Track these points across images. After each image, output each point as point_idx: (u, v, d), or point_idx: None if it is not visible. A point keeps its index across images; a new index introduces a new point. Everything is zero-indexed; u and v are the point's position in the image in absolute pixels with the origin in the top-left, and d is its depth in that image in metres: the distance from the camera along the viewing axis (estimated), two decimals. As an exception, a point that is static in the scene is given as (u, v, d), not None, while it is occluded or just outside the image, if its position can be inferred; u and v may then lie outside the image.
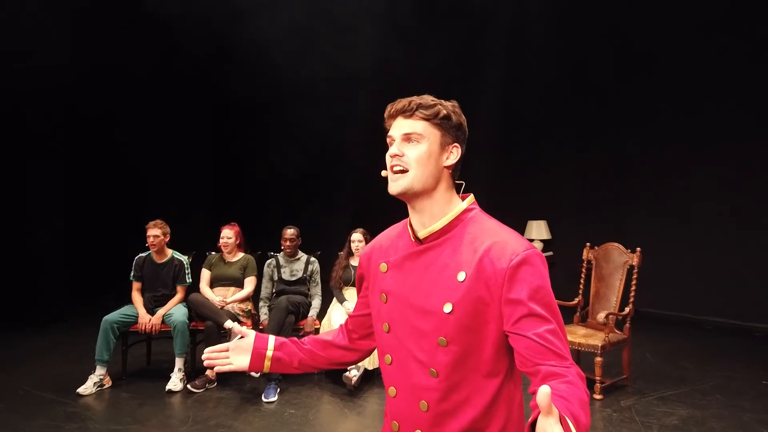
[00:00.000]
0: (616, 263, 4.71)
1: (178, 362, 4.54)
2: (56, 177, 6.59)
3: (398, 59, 7.26)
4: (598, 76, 7.22)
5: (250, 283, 4.91)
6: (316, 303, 4.94)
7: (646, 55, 6.87)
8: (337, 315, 4.71)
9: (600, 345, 4.27)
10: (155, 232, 4.77)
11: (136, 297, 4.75)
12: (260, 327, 4.69)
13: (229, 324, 4.44)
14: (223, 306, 4.65)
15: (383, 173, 1.39)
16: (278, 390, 4.38)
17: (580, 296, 4.87)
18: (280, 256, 5.06)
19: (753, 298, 6.26)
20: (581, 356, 4.51)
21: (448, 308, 1.28)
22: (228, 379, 4.60)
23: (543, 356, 1.19)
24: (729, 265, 6.43)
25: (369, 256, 1.50)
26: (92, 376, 4.42)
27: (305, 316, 4.80)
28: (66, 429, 3.75)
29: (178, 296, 4.76)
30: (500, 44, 7.88)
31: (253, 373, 4.23)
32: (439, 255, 1.33)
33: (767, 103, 6.17)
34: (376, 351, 1.51)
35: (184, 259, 4.91)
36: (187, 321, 4.59)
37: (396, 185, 1.32)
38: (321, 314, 4.89)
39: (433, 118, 1.33)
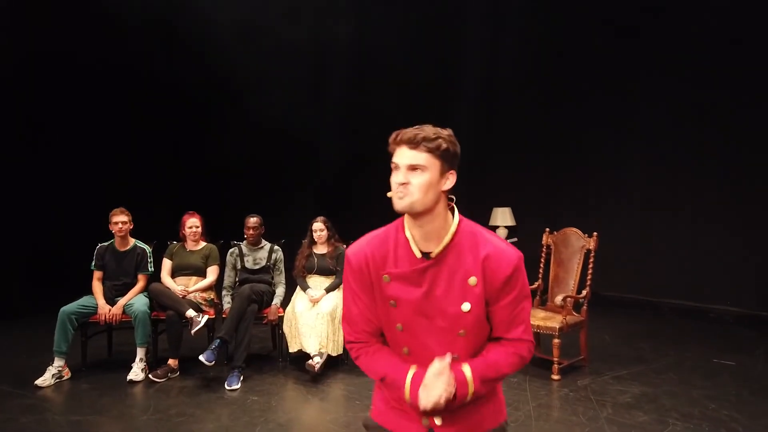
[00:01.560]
0: (574, 247, 4.82)
1: (140, 352, 4.50)
2: (8, 167, 6.38)
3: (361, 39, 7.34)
4: (569, 56, 7.33)
5: (212, 273, 4.89)
6: (280, 291, 4.95)
7: (604, 33, 7.01)
8: (301, 303, 4.72)
9: (557, 327, 4.38)
10: (123, 218, 4.70)
11: (97, 286, 4.68)
12: (222, 316, 4.68)
13: (190, 313, 4.42)
14: (185, 295, 4.62)
15: (389, 194, 1.57)
16: (241, 378, 4.39)
17: (539, 280, 4.98)
18: (243, 244, 5.04)
19: (708, 281, 6.47)
20: (540, 338, 4.61)
21: (466, 308, 1.55)
22: (190, 368, 4.58)
23: (509, 329, 1.60)
24: (685, 249, 6.63)
25: (366, 263, 1.62)
26: (50, 367, 4.35)
27: (269, 304, 4.80)
28: (23, 421, 3.69)
29: (140, 285, 4.72)
30: (471, 24, 7.96)
31: (207, 362, 4.22)
32: (447, 264, 1.57)
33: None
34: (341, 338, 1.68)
35: (147, 248, 4.86)
36: (149, 311, 4.55)
37: (401, 204, 1.54)
38: (285, 302, 4.89)
39: (435, 151, 1.51)
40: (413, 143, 1.51)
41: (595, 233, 4.70)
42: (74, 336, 4.47)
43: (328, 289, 4.81)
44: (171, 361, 4.51)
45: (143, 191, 6.99)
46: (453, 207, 1.62)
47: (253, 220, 4.97)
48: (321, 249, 4.99)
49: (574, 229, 4.87)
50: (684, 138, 6.61)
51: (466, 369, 1.55)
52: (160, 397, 4.13)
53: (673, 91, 6.62)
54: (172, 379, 4.47)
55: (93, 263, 4.75)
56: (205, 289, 4.81)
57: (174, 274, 4.87)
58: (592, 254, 4.71)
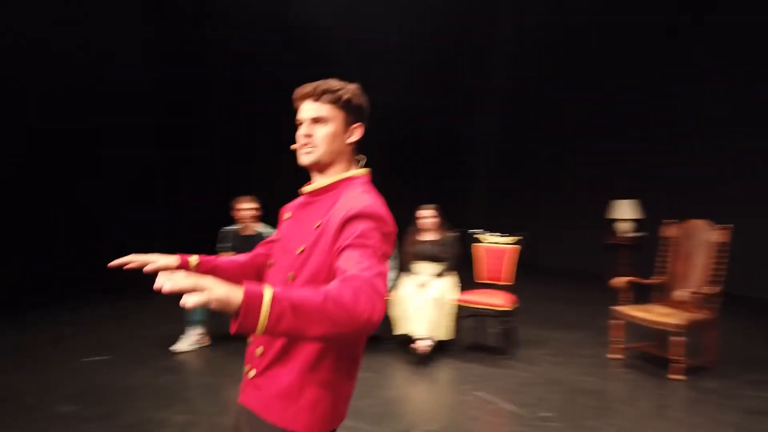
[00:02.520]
0: (700, 240, 4.49)
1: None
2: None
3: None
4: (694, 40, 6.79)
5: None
6: (390, 275, 5.12)
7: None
8: (409, 288, 4.86)
9: (678, 324, 4.11)
10: (248, 205, 5.15)
11: (225, 266, 5.16)
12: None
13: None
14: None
15: (292, 147, 1.56)
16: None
17: (661, 274, 4.69)
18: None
19: None
20: (660, 335, 4.36)
21: (299, 250, 1.46)
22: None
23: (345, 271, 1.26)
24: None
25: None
26: (190, 334, 4.89)
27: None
28: (164, 380, 4.20)
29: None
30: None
31: None
32: (314, 208, 1.52)
33: None
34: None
35: (272, 231, 5.26)
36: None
37: (306, 158, 1.51)
38: (395, 288, 5.05)
39: (337, 102, 1.49)
40: (315, 95, 1.49)
41: (727, 226, 4.34)
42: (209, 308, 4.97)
43: (438, 275, 4.91)
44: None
45: (268, 181, 7.49)
46: (362, 167, 1.57)
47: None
48: (429, 236, 5.09)
49: (702, 221, 4.53)
50: None
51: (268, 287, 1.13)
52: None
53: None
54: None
55: (219, 245, 5.24)
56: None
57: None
58: (723, 248, 4.36)
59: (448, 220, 5.18)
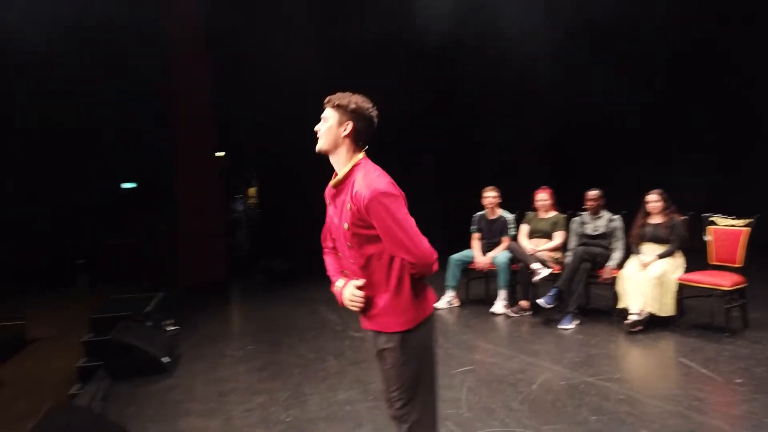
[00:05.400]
0: None
1: (501, 293, 6.02)
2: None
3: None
4: None
5: (558, 237, 5.99)
6: (616, 255, 5.66)
7: None
8: (632, 266, 5.36)
9: None
10: (492, 194, 6.31)
11: (475, 244, 6.41)
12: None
13: (534, 266, 5.66)
14: (534, 253, 5.87)
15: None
16: (575, 321, 5.41)
17: None
18: (586, 214, 5.95)
19: None
20: None
21: (345, 227, 2.12)
22: (542, 310, 5.76)
23: (395, 253, 2.08)
24: None
25: (326, 191, 2.29)
26: (444, 296, 6.31)
27: (602, 265, 5.61)
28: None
29: (503, 244, 6.22)
30: None
31: (544, 304, 5.41)
32: (341, 195, 2.16)
33: None
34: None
35: (510, 216, 6.32)
36: (509, 262, 6.01)
37: (317, 146, 2.18)
38: (621, 266, 5.58)
39: (333, 106, 2.15)
40: (325, 104, 2.16)
41: None
42: (461, 276, 6.32)
43: (661, 256, 5.29)
44: (523, 302, 5.89)
45: (509, 171, 8.46)
46: (363, 153, 2.15)
47: (592, 193, 5.82)
48: (655, 219, 5.47)
49: None
50: None
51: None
52: (510, 325, 5.58)
53: None
54: (524, 316, 5.83)
55: (472, 227, 6.50)
56: (552, 249, 5.96)
57: (530, 236, 6.18)
58: None
59: (674, 203, 5.48)
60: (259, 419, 3.69)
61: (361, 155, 2.16)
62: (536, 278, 5.65)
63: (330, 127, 2.14)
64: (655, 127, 8.23)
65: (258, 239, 10.97)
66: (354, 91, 2.20)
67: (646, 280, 5.13)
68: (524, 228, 6.26)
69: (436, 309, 2.31)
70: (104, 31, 8.03)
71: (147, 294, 6.91)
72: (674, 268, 5.25)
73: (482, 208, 6.43)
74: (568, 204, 6.36)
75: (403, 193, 2.09)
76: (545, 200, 6.13)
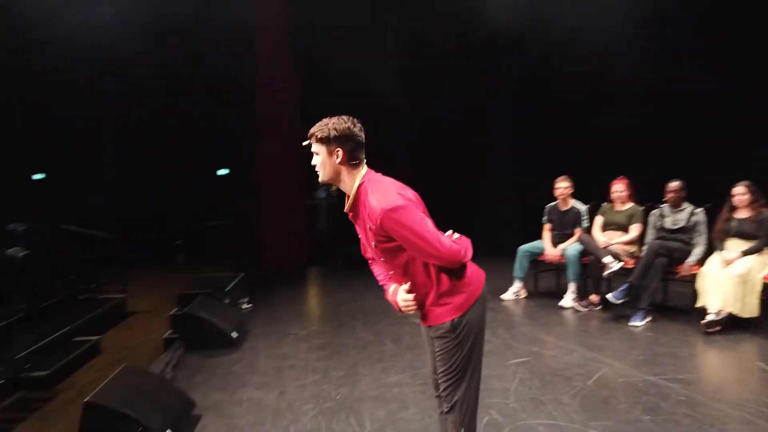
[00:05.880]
0: None
1: (571, 286, 5.83)
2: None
3: None
4: None
5: (634, 230, 5.69)
6: (697, 251, 5.30)
7: None
8: (713, 263, 5.01)
9: None
10: (564, 184, 6.11)
11: (546, 235, 6.24)
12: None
13: (606, 260, 5.43)
14: (606, 246, 5.63)
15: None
16: (646, 318, 5.14)
17: None
18: (665, 207, 5.61)
19: None
20: None
21: (374, 245, 2.20)
22: (613, 306, 5.53)
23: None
24: None
25: None
26: (511, 287, 6.21)
27: (680, 261, 5.28)
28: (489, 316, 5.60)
29: (575, 236, 6.01)
30: None
31: (613, 300, 5.18)
32: (359, 215, 2.21)
33: None
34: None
35: (583, 208, 6.09)
36: (579, 255, 5.80)
37: (320, 179, 2.24)
38: (702, 262, 5.22)
39: (317, 139, 2.19)
40: (310, 138, 2.20)
41: None
42: (529, 268, 6.19)
43: (746, 252, 4.91)
44: (592, 296, 5.67)
45: (584, 160, 8.05)
46: (364, 168, 2.19)
47: (673, 185, 5.47)
48: (742, 213, 5.07)
49: None
50: None
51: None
52: (577, 320, 5.40)
53: None
54: (593, 311, 5.62)
55: (544, 218, 6.33)
56: (627, 243, 5.68)
57: (604, 228, 5.93)
58: None
59: (764, 196, 5.05)
60: (311, 395, 3.87)
61: (363, 171, 2.21)
62: (607, 272, 5.42)
63: (323, 161, 2.20)
64: (744, 115, 7.54)
65: (338, 226, 11.29)
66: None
67: (728, 278, 4.78)
68: (598, 220, 6.01)
69: (485, 293, 2.37)
70: (191, 30, 8.67)
71: (231, 274, 7.41)
72: (761, 266, 4.85)
73: (555, 198, 6.25)
74: (647, 196, 6.03)
75: (412, 197, 2.16)
76: (621, 191, 5.85)
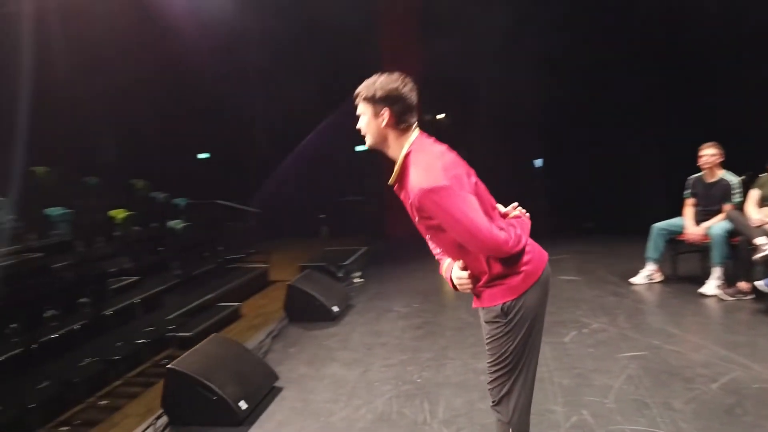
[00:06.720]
0: None
1: (715, 271, 4.98)
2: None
3: None
4: None
5: (800, 206, 4.70)
6: None
7: None
8: None
9: None
10: (710, 151, 5.20)
11: (688, 211, 5.39)
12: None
13: (758, 240, 4.55)
14: (762, 225, 4.71)
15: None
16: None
17: None
18: None
19: None
20: None
21: (416, 219, 2.01)
22: (764, 297, 4.66)
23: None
24: None
25: None
26: (643, 269, 5.49)
27: None
28: (606, 300, 5.04)
29: (723, 213, 5.10)
30: None
31: (764, 287, 4.30)
32: (404, 191, 2.00)
33: None
34: None
35: (735, 180, 5.15)
36: (726, 235, 4.93)
37: (366, 144, 2.06)
38: None
39: (363, 99, 2.01)
40: (355, 97, 2.02)
41: None
42: (666, 248, 5.42)
43: None
44: (741, 284, 4.80)
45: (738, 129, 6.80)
46: (414, 131, 1.99)
47: None
48: None
49: None
50: None
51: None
52: (719, 310, 4.62)
53: None
54: (742, 300, 4.76)
55: (686, 191, 5.47)
56: (791, 221, 4.71)
57: (760, 204, 4.97)
58: None
59: None
60: (393, 376, 3.76)
61: (412, 136, 2.01)
62: (759, 255, 4.54)
63: (368, 122, 2.03)
64: None
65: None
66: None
67: None
68: (754, 194, 5.05)
69: (547, 273, 2.08)
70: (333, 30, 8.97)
71: (352, 248, 7.57)
72: None
73: (699, 169, 5.37)
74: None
75: (461, 172, 1.92)
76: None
